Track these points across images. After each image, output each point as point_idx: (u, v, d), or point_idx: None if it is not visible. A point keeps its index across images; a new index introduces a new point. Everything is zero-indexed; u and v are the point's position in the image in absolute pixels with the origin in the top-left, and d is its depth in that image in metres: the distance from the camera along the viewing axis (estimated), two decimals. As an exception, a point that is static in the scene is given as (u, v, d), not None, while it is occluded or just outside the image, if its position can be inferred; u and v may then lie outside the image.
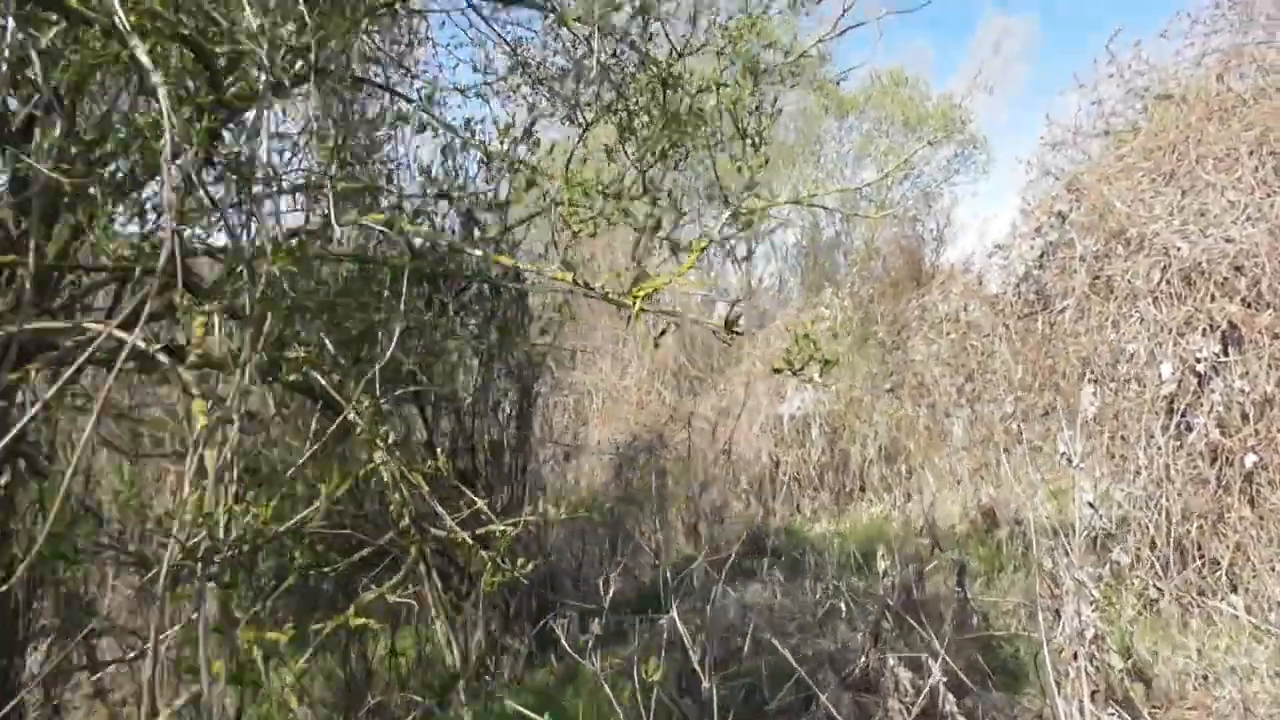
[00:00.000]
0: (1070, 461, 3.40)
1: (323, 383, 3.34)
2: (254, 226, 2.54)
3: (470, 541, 3.46)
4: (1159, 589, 5.30)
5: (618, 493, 8.35)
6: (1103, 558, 4.20)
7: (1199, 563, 5.43)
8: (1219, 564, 5.39)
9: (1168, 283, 5.48)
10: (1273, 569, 5.27)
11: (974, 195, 25.12)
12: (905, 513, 10.10)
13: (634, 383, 9.07)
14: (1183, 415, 5.37)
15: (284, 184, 4.06)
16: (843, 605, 4.71)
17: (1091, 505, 3.48)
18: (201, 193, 2.75)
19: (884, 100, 23.01)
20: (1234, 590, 5.42)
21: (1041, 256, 6.21)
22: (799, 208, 24.99)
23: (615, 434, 8.63)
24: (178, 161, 2.10)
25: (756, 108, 4.01)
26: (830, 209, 18.59)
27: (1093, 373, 5.69)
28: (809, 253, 23.64)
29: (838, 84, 17.71)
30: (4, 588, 2.09)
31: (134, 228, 3.52)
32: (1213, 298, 5.33)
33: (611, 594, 7.45)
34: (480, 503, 3.53)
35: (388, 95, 4.68)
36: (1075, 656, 3.06)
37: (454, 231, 5.26)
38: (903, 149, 21.41)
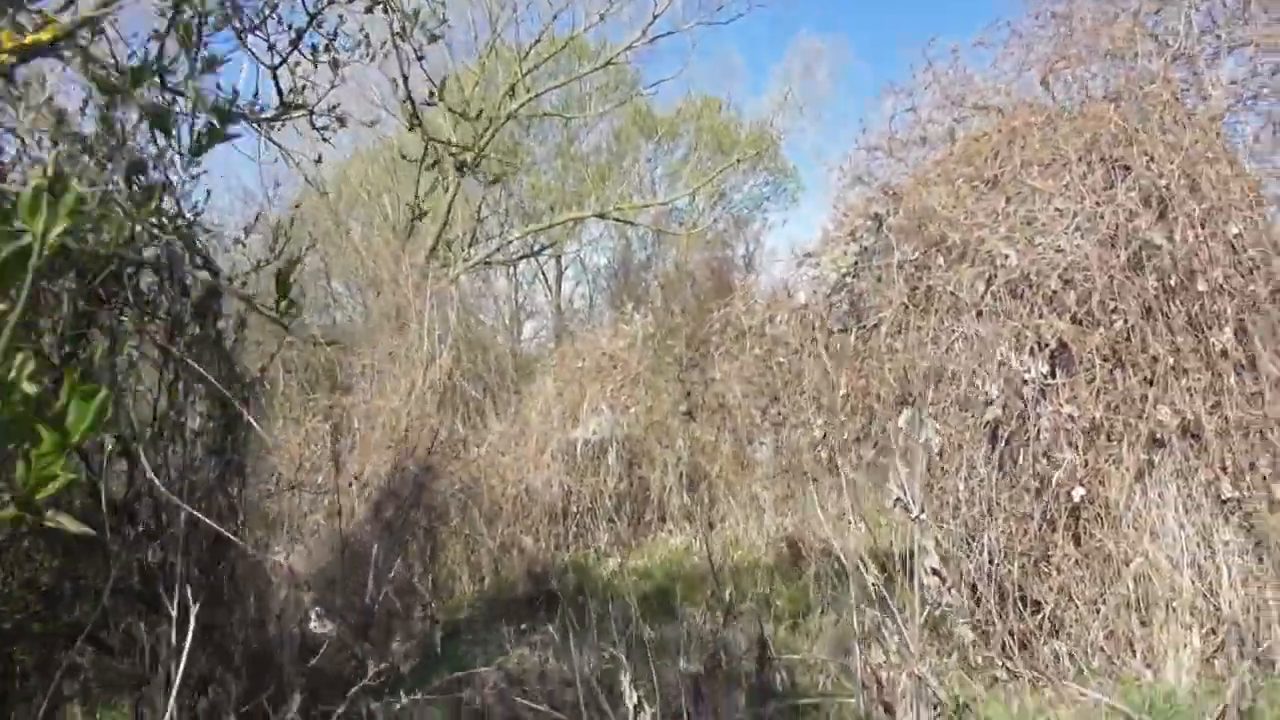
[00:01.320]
0: (907, 509, 2.57)
1: None
2: None
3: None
4: (984, 634, 4.64)
5: (376, 534, 7.11)
6: (943, 636, 3.42)
7: (1021, 607, 4.83)
8: (1041, 607, 4.81)
9: (993, 295, 4.88)
10: (1097, 612, 4.73)
11: (784, 223, 25.25)
12: (708, 544, 9.34)
13: (402, 404, 7.86)
14: (1007, 443, 4.76)
15: None
16: (623, 678, 3.73)
17: (937, 573, 2.69)
18: None
19: (697, 123, 22.78)
20: (1056, 635, 4.86)
21: (855, 265, 5.52)
22: (612, 228, 24.52)
23: (380, 466, 7.40)
24: None
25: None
26: (634, 223, 17.90)
27: (909, 395, 5.01)
28: (619, 274, 23.01)
29: (647, 94, 16.92)
30: None
31: None
32: (1041, 314, 4.75)
33: (369, 666, 6.22)
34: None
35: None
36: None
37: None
38: (714, 172, 21.17)
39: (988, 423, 4.72)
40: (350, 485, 7.09)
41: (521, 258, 22.42)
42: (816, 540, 6.63)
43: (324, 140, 3.83)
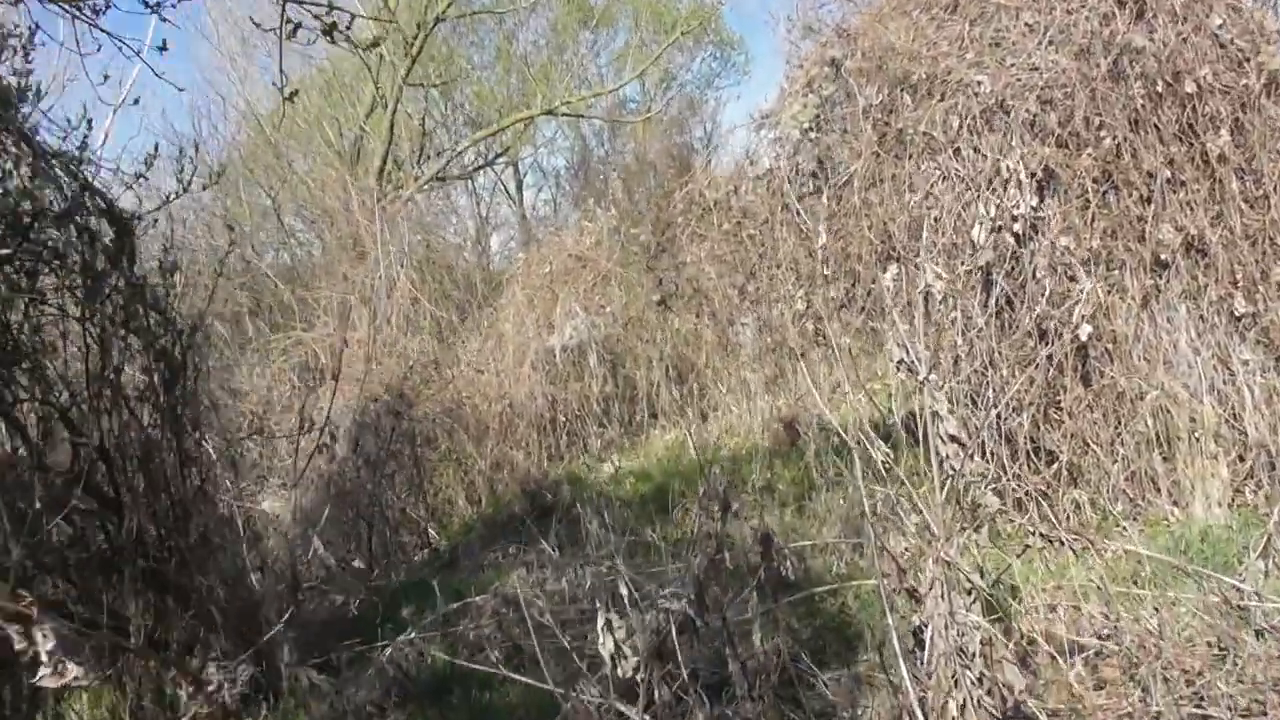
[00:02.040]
0: (912, 370, 2.25)
1: None
2: None
3: None
4: (999, 494, 4.40)
5: (360, 470, 6.83)
6: (965, 506, 3.14)
7: (1035, 460, 4.59)
8: (1056, 457, 4.56)
9: (969, 129, 4.48)
10: (1116, 454, 4.49)
11: (738, 98, 24.41)
12: (701, 435, 9.11)
13: (369, 334, 7.49)
14: (1001, 288, 4.43)
15: None
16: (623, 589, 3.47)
17: (955, 439, 2.38)
18: None
19: (634, 3, 21.74)
20: (1075, 484, 4.63)
21: (817, 119, 5.10)
22: (566, 128, 23.66)
23: (352, 399, 7.06)
24: None
25: None
26: (586, 116, 17.20)
27: (893, 249, 4.67)
28: (578, 173, 22.32)
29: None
30: None
31: None
32: (1023, 141, 4.36)
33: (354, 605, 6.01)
34: None
35: None
36: (955, 682, 1.96)
37: None
38: (657, 52, 20.26)
39: (979, 268, 4.39)
40: (324, 425, 6.76)
41: (477, 169, 21.66)
42: (813, 417, 6.38)
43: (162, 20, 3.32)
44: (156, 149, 3.90)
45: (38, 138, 3.59)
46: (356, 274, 9.13)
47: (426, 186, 19.14)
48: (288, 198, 13.71)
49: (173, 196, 3.96)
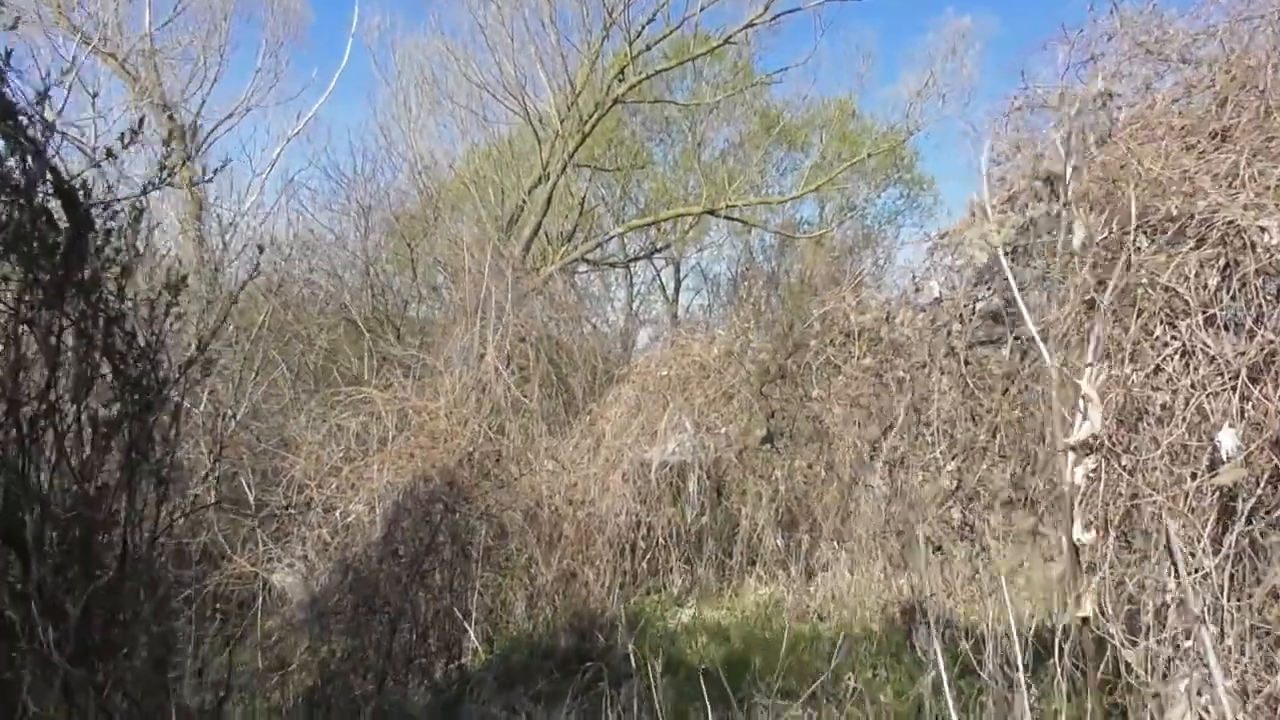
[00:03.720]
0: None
1: None
2: None
3: None
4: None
5: (391, 556, 5.83)
6: None
7: None
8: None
9: (1234, 292, 3.19)
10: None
11: (917, 243, 23.16)
12: (803, 598, 7.73)
13: (446, 406, 6.61)
14: (1249, 521, 3.06)
15: None
16: None
17: None
18: None
19: (826, 130, 21.07)
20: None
21: (1015, 247, 3.90)
22: (735, 238, 22.99)
23: (403, 477, 6.14)
24: None
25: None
26: (753, 224, 16.33)
27: (1093, 436, 3.37)
28: (738, 281, 21.51)
29: (769, 80, 15.36)
30: None
31: None
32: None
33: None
34: None
35: None
36: None
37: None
38: (847, 182, 19.38)
39: (1220, 488, 3.04)
40: (362, 503, 5.83)
41: (633, 260, 21.18)
42: (935, 611, 5.01)
43: None
44: (142, 122, 3.06)
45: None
46: (460, 340, 8.34)
47: (582, 269, 18.71)
48: (427, 251, 13.27)
49: (150, 187, 3.12)
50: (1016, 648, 3.87)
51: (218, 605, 6.27)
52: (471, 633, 6.81)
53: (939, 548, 4.12)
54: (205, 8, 14.46)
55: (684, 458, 7.94)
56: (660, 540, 7.99)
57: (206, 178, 3.30)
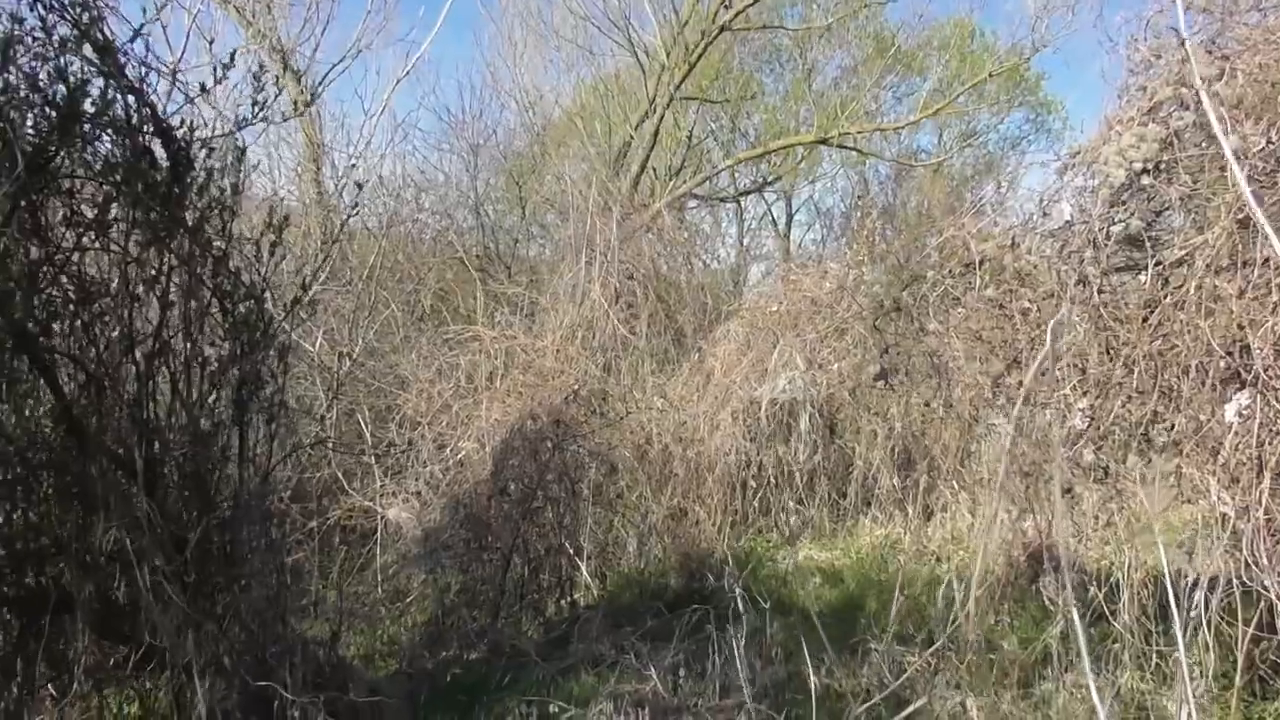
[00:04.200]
0: None
1: None
2: None
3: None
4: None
5: (499, 493, 5.87)
6: None
7: None
8: None
9: None
10: None
11: (1044, 165, 21.93)
12: (921, 539, 7.49)
13: (550, 344, 6.57)
14: None
15: None
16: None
17: None
18: None
19: (945, 52, 19.96)
20: None
21: (1158, 164, 3.53)
22: (849, 170, 22.22)
23: (511, 416, 6.15)
24: None
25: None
26: (860, 151, 15.68)
27: (1245, 368, 3.06)
28: (851, 214, 20.85)
29: (885, 1, 14.59)
30: None
31: None
32: None
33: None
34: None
35: None
36: None
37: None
38: (967, 106, 18.32)
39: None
40: (472, 440, 5.87)
41: (743, 194, 20.73)
42: (1067, 556, 4.74)
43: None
44: (233, 57, 3.02)
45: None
46: (564, 278, 8.29)
47: (691, 204, 18.39)
48: (535, 189, 13.23)
49: (244, 123, 3.09)
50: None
51: (338, 539, 6.46)
52: (584, 569, 6.85)
53: (1069, 490, 3.86)
54: (317, -49, 14.63)
55: (795, 395, 7.74)
56: (771, 479, 7.86)
57: (298, 112, 3.25)
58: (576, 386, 6.32)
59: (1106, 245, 3.70)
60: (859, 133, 14.30)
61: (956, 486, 7.72)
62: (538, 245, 13.70)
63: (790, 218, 23.98)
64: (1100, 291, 3.58)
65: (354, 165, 10.88)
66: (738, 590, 4.51)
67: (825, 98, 19.68)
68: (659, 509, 7.66)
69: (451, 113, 14.23)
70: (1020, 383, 3.88)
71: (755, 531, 7.92)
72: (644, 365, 8.64)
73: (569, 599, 6.53)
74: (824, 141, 14.29)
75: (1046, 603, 4.81)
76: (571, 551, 6.71)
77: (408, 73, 14.15)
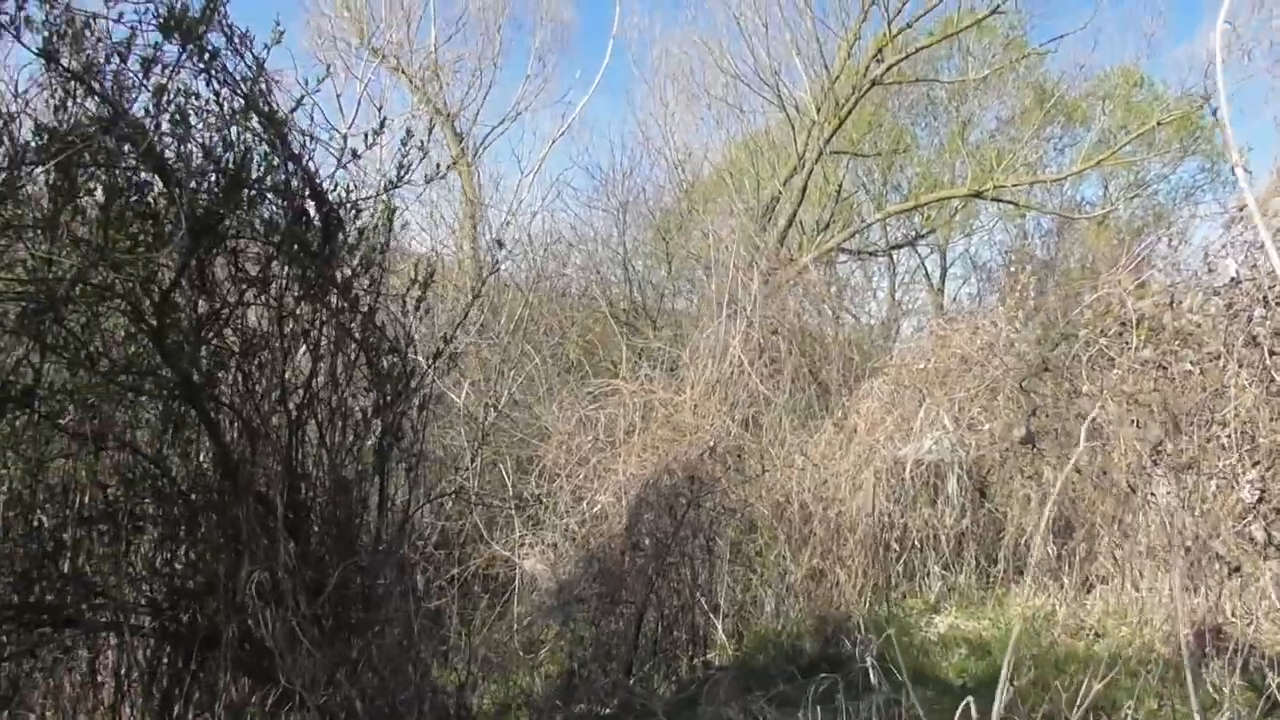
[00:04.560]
0: None
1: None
2: None
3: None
4: None
5: (633, 547, 5.88)
6: None
7: None
8: None
9: None
10: None
11: (1206, 218, 20.75)
12: (1078, 613, 7.02)
13: (688, 399, 6.57)
14: None
15: None
16: None
17: None
18: None
19: (1109, 102, 19.16)
20: None
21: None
22: (1008, 223, 21.52)
23: (648, 469, 6.18)
24: None
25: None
26: (1018, 205, 15.13)
27: None
28: (1009, 268, 20.12)
29: (1042, 51, 14.17)
30: None
31: None
32: None
33: None
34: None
35: None
36: None
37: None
38: (1134, 156, 17.43)
39: None
40: (608, 493, 5.92)
41: (895, 247, 20.38)
42: (1237, 640, 4.35)
43: None
44: (382, 124, 3.20)
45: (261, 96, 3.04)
46: (708, 332, 8.30)
47: (841, 259, 18.19)
48: (682, 244, 13.40)
49: (392, 185, 3.26)
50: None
51: (479, 587, 6.61)
52: (720, 627, 6.77)
53: (1238, 568, 3.54)
54: (481, 22, 15.52)
55: (942, 456, 7.45)
56: (915, 542, 7.56)
57: (440, 174, 3.42)
58: (714, 442, 6.29)
59: (1278, 304, 3.43)
60: (1016, 185, 13.83)
61: (1118, 558, 7.23)
62: (684, 300, 13.83)
63: (944, 272, 23.41)
64: (1271, 354, 3.31)
65: (507, 223, 11.36)
66: (871, 659, 4.33)
67: (982, 150, 19.16)
68: (797, 569, 7.50)
69: (603, 170, 14.70)
70: (1182, 450, 3.61)
71: (898, 596, 7.62)
72: (785, 422, 8.52)
73: (703, 657, 6.45)
74: (979, 195, 13.90)
75: (1211, 689, 4.40)
76: (707, 609, 6.64)
77: (562, 133, 14.77)
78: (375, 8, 14.50)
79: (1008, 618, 7.01)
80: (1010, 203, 14.92)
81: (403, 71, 14.21)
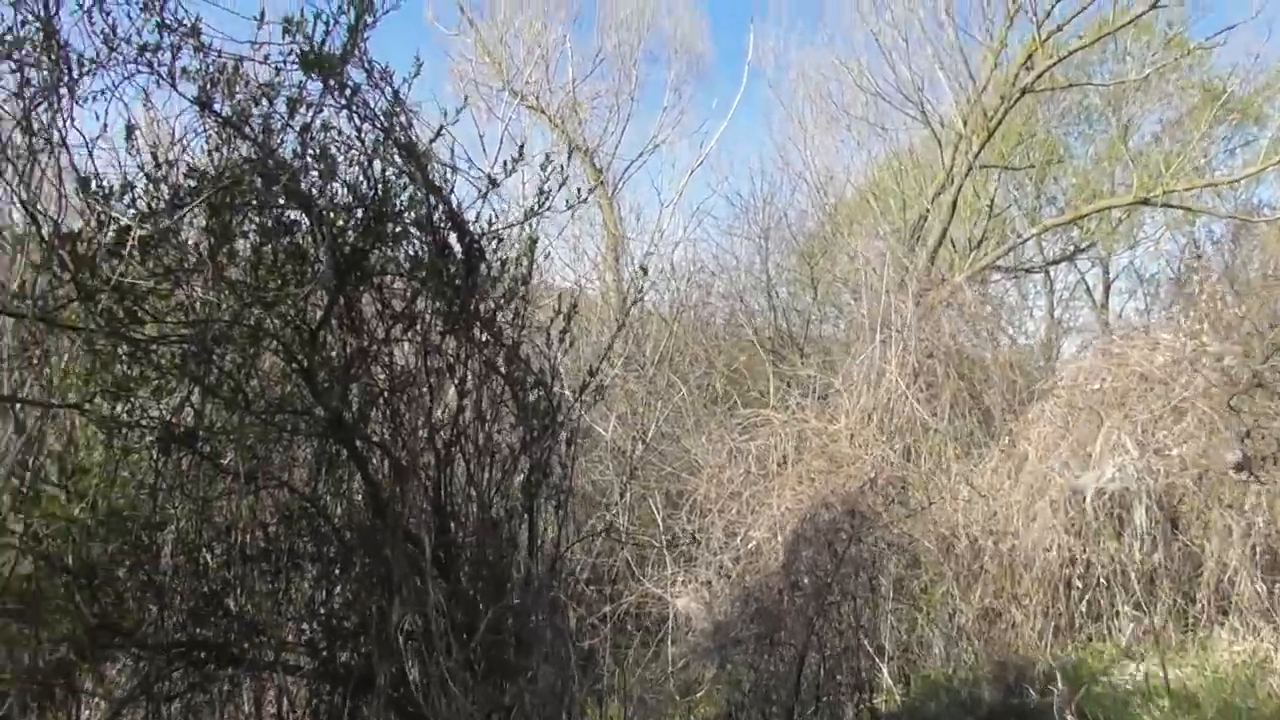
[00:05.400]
0: None
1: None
2: None
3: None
4: None
5: (791, 587, 5.58)
6: None
7: None
8: None
9: None
10: None
11: None
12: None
13: (849, 428, 6.23)
14: None
15: None
16: None
17: None
18: None
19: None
20: None
21: None
22: (1175, 232, 20.08)
23: (803, 502, 5.87)
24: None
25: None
26: (1189, 209, 14.02)
27: None
28: (1180, 280, 18.80)
29: (1207, 46, 13.16)
30: None
31: None
32: None
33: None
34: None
35: None
36: None
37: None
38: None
39: None
40: (763, 529, 5.65)
41: (1052, 263, 19.32)
42: None
43: None
44: (521, 149, 3.10)
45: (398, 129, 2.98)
46: (861, 358, 7.95)
47: (995, 277, 17.35)
48: (827, 269, 13.04)
49: (531, 213, 3.15)
50: None
51: (630, 626, 6.44)
52: (885, 671, 6.38)
53: None
54: (617, 58, 15.68)
55: (1126, 484, 6.82)
56: (1101, 580, 6.94)
57: (582, 199, 3.32)
58: (874, 473, 5.94)
59: None
60: (1186, 189, 12.82)
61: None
62: (831, 326, 13.45)
63: (1108, 286, 22.05)
64: None
65: (649, 254, 11.31)
66: (1070, 714, 3.91)
67: (1144, 155, 17.97)
68: (968, 609, 7.02)
69: (742, 197, 14.49)
70: None
71: (1084, 640, 7.00)
72: (946, 450, 8.04)
73: (868, 703, 6.07)
74: (1145, 202, 12.93)
75: None
76: (870, 650, 6.26)
77: (700, 162, 14.69)
78: (514, 49, 14.88)
79: (1214, 664, 6.32)
80: (1182, 208, 13.84)
81: (542, 111, 14.50)
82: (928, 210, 14.45)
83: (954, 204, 13.47)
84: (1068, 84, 13.76)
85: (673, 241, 12.43)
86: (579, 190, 3.31)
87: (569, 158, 3.56)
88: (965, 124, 13.49)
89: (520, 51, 14.79)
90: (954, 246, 15.07)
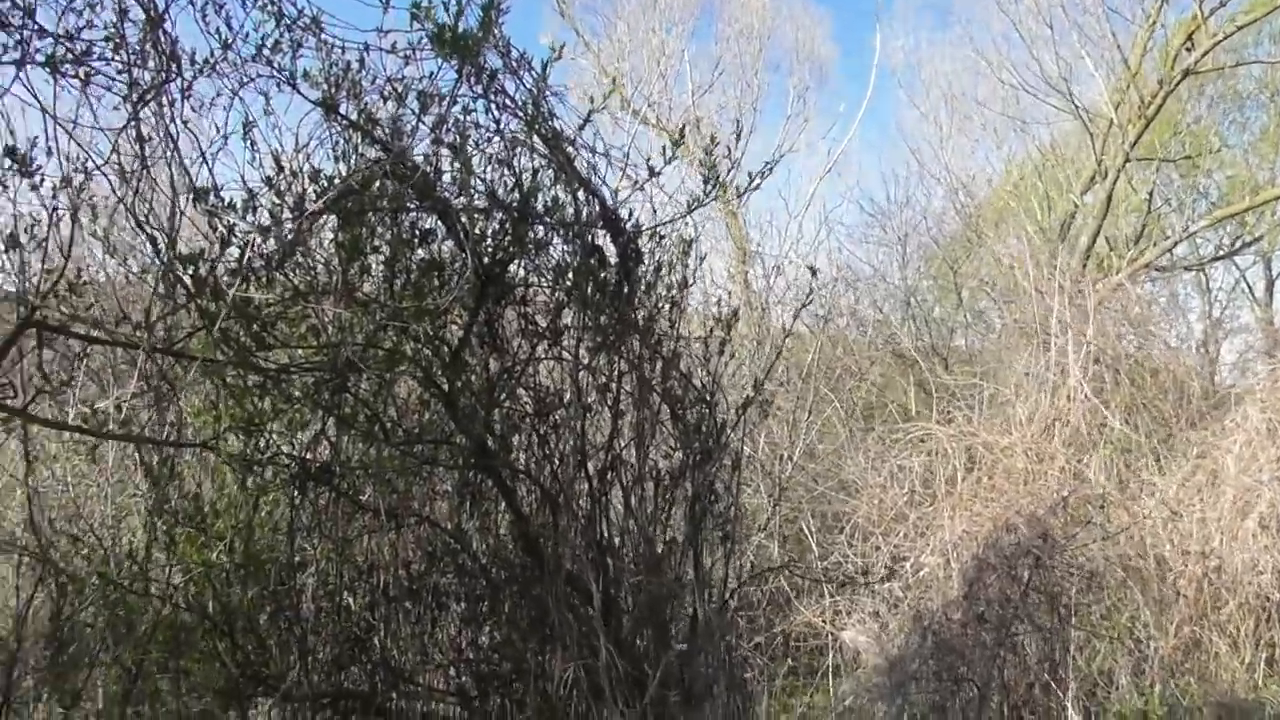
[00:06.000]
0: None
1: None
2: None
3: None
4: None
5: (974, 619, 5.01)
6: None
7: None
8: None
9: None
10: None
11: None
12: None
13: (1019, 441, 5.63)
14: None
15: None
16: None
17: None
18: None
19: None
20: None
21: None
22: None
23: (982, 524, 5.30)
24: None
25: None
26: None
27: None
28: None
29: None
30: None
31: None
32: None
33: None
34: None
35: None
36: None
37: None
38: None
39: None
40: (935, 554, 5.12)
41: (1210, 261, 17.87)
42: None
43: None
44: (664, 152, 2.73)
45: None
46: (1024, 365, 7.28)
47: (1148, 276, 16.11)
48: (970, 274, 12.29)
49: (696, 203, 2.79)
50: None
51: (790, 660, 5.99)
52: (1070, 708, 5.73)
53: None
54: (737, 69, 15.29)
55: (1349, 495, 5.98)
56: (1324, 605, 6.10)
57: (752, 186, 3.00)
58: (1066, 491, 5.32)
59: None
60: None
61: None
62: (975, 333, 12.65)
63: (1271, 284, 20.39)
64: None
65: (778, 266, 10.85)
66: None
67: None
68: (1163, 637, 6.28)
69: (875, 203, 13.85)
70: None
71: (1304, 674, 6.17)
72: (1127, 463, 7.27)
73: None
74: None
75: None
76: (1055, 686, 5.62)
77: (829, 169, 14.16)
78: (635, 63, 14.69)
79: None
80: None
81: (663, 128, 14.23)
82: (1076, 207, 13.54)
83: (1109, 199, 12.53)
84: (1236, 63, 12.62)
85: (805, 251, 11.93)
86: (731, 189, 2.93)
87: (710, 155, 3.18)
88: (1117, 111, 12.55)
89: (640, 67, 14.60)
90: (1109, 244, 14.06)
